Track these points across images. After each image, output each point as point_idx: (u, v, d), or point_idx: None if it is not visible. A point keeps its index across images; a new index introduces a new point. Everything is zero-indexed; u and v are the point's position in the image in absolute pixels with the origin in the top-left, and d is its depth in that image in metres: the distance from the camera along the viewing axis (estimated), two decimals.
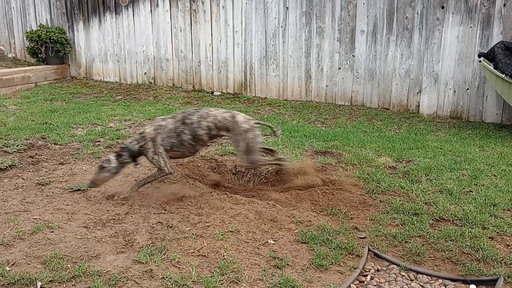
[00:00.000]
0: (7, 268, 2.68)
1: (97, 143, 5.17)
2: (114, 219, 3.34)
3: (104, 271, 2.65)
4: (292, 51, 7.84)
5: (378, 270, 2.87)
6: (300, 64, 7.82)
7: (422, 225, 3.36)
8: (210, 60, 8.45)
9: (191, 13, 8.44)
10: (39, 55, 9.06)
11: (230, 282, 2.59)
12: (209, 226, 3.20)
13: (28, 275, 2.60)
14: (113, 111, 6.78)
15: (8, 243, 2.98)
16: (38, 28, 9.09)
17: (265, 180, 4.36)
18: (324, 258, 2.87)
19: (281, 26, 7.84)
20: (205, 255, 2.85)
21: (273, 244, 3.03)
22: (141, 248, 2.91)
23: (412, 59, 7.11)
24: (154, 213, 3.41)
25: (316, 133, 5.69)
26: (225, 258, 2.81)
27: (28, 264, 2.74)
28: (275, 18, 7.85)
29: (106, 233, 3.14)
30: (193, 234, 3.09)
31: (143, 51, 8.91)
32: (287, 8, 7.74)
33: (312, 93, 7.85)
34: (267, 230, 3.20)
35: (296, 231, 3.20)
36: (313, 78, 7.79)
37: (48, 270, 2.66)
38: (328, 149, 5.00)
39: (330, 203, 3.71)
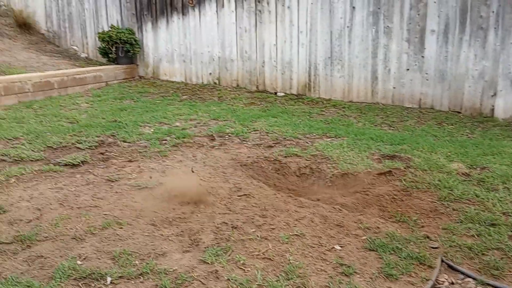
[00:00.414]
0: (79, 262, 2.77)
1: (164, 142, 5.28)
2: (180, 217, 3.38)
3: (171, 270, 2.68)
4: (358, 51, 7.65)
5: (452, 283, 2.71)
6: (366, 65, 7.62)
7: (501, 236, 3.14)
8: (274, 61, 8.43)
9: (256, 14, 8.46)
10: (110, 55, 9.42)
11: (296, 287, 2.53)
12: (274, 228, 3.16)
13: (99, 270, 2.67)
14: (179, 111, 6.92)
15: (80, 238, 3.09)
16: (110, 29, 9.45)
17: (330, 184, 4.26)
18: (394, 268, 2.75)
19: (347, 26, 7.67)
20: (270, 258, 2.80)
21: (340, 250, 2.94)
22: (207, 248, 2.91)
23: (486, 60, 6.72)
24: (219, 213, 3.41)
25: (383, 136, 5.51)
26: (290, 262, 2.75)
27: (99, 259, 2.82)
28: (341, 18, 7.69)
29: (172, 231, 3.17)
30: (257, 236, 3.06)
31: (209, 52, 9.03)
32: (353, 7, 7.56)
33: (378, 94, 7.63)
34: (333, 235, 3.11)
35: (363, 237, 3.09)
36: (380, 79, 7.56)
37: (118, 266, 2.72)
38: (396, 153, 4.81)
39: (399, 209, 3.55)
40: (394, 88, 7.48)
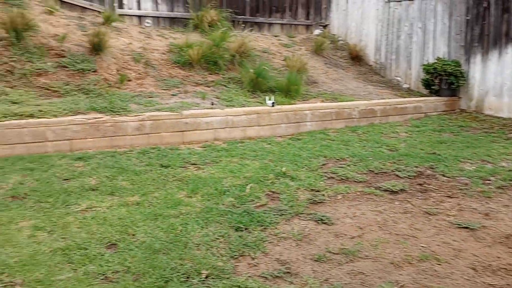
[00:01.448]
0: None
1: (487, 182, 4.89)
2: (506, 268, 3.07)
3: None
4: None
5: None
6: None
7: None
8: None
9: None
10: (432, 87, 9.36)
11: None
12: None
13: None
14: (505, 149, 6.29)
15: (397, 264, 3.16)
16: (435, 61, 9.41)
17: None
18: None
19: None
20: None
21: None
22: None
23: None
24: None
25: None
26: None
27: None
28: None
29: (496, 281, 2.91)
30: None
31: None
32: None
33: None
34: None
35: None
36: None
37: None
38: None
39: None
40: None
